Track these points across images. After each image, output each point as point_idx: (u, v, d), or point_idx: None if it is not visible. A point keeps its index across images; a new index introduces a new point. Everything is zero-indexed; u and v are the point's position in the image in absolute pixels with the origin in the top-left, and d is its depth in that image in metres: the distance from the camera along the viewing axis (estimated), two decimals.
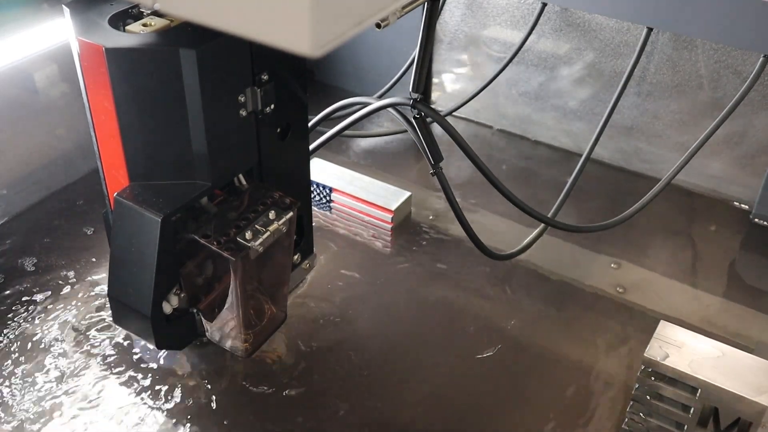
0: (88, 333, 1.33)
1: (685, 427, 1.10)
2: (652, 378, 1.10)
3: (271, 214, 1.11)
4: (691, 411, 1.08)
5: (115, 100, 1.02)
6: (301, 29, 0.45)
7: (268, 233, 1.09)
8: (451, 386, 1.28)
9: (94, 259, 1.49)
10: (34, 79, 1.57)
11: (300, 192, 1.28)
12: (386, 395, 1.26)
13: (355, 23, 0.50)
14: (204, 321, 1.17)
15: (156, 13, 1.06)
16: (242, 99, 1.09)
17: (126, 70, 1.00)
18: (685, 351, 1.09)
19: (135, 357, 1.29)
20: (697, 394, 1.06)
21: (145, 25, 1.04)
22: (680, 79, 1.68)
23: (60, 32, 1.53)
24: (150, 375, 1.26)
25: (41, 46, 1.54)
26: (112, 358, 1.29)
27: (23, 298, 1.39)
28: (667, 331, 1.13)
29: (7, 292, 1.40)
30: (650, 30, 1.61)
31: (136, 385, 1.25)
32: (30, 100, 1.58)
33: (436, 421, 1.23)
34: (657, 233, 1.63)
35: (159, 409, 1.21)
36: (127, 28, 1.04)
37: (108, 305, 1.29)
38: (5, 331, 1.33)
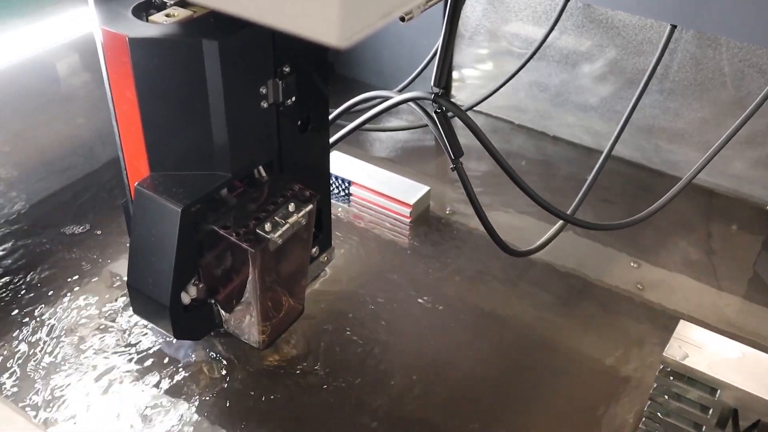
0: (107, 322, 1.34)
1: (704, 428, 1.10)
2: (671, 378, 1.09)
3: (291, 207, 1.11)
4: (710, 412, 1.07)
5: (138, 90, 1.03)
6: (330, 19, 0.45)
7: (287, 225, 1.09)
8: (465, 382, 1.28)
9: (113, 249, 1.50)
10: (56, 69, 1.58)
11: (319, 185, 1.28)
12: (398, 389, 1.26)
13: (383, 15, 0.49)
14: (222, 312, 1.18)
15: (179, 4, 1.06)
16: (264, 91, 1.08)
17: (149, 60, 1.01)
18: (705, 351, 1.08)
19: (153, 347, 1.30)
20: (717, 395, 1.05)
21: (168, 15, 1.04)
22: (703, 77, 1.66)
23: (82, 22, 1.54)
24: (166, 364, 1.27)
25: (63, 36, 1.55)
26: (130, 347, 1.30)
27: (43, 286, 1.40)
28: (686, 330, 1.12)
29: (27, 279, 1.41)
30: (674, 27, 1.60)
31: (152, 373, 1.25)
32: (52, 89, 1.59)
33: (448, 417, 1.22)
34: (677, 232, 1.62)
35: (175, 398, 1.22)
36: (151, 18, 1.04)
37: (127, 294, 1.30)
38: (25, 320, 1.34)
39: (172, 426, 1.18)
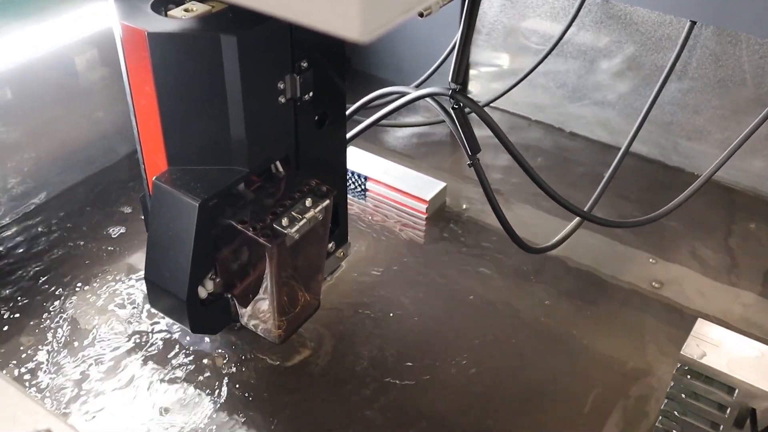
0: (124, 315, 1.35)
1: (721, 427, 1.09)
2: (688, 376, 1.08)
3: (308, 202, 1.11)
4: (728, 411, 1.07)
5: (156, 85, 1.03)
6: (351, 14, 0.45)
7: (304, 220, 1.09)
8: (478, 378, 1.28)
9: (131, 242, 1.50)
10: (75, 63, 1.59)
11: (336, 180, 1.28)
12: (414, 383, 1.26)
13: (403, 10, 0.49)
14: (238, 306, 1.18)
15: None
16: (281, 86, 1.09)
17: (167, 55, 1.01)
18: (723, 350, 1.07)
19: (169, 340, 1.30)
20: (734, 395, 1.05)
21: (186, 10, 1.04)
22: (723, 74, 1.65)
23: (100, 17, 1.54)
24: (182, 358, 1.27)
25: (82, 31, 1.55)
26: (146, 339, 1.30)
27: (61, 278, 1.41)
28: (704, 329, 1.11)
29: (45, 270, 1.42)
30: (693, 23, 1.58)
31: (167, 367, 1.26)
32: (70, 83, 1.60)
33: (460, 413, 1.22)
34: (695, 230, 1.61)
35: (191, 391, 1.22)
36: (169, 13, 1.05)
37: (144, 287, 1.31)
38: (44, 315, 1.35)
39: (188, 419, 1.18)
